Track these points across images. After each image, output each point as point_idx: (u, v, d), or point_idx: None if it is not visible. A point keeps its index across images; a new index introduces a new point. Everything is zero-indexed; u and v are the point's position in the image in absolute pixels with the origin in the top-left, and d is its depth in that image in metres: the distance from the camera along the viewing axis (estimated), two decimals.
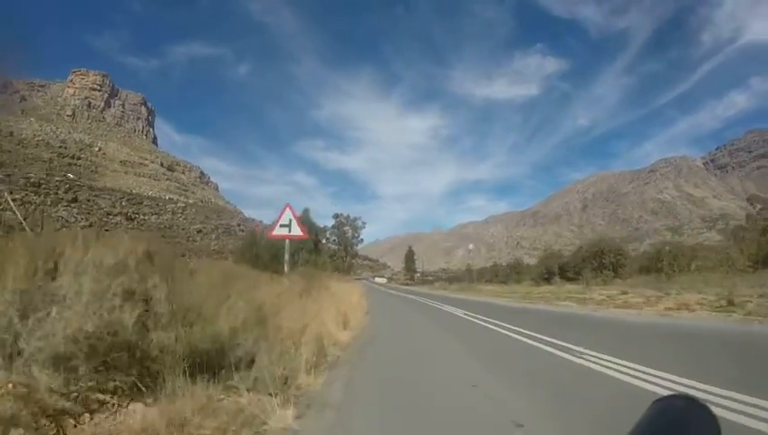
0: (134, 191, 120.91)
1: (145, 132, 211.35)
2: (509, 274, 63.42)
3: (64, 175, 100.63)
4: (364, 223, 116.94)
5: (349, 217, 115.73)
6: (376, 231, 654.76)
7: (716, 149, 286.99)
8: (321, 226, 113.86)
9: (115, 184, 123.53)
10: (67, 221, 70.60)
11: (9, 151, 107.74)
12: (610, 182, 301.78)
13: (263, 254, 40.30)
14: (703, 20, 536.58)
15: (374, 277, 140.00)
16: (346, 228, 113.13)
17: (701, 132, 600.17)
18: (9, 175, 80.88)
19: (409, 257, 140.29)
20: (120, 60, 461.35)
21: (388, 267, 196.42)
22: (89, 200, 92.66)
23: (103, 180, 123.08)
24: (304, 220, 65.37)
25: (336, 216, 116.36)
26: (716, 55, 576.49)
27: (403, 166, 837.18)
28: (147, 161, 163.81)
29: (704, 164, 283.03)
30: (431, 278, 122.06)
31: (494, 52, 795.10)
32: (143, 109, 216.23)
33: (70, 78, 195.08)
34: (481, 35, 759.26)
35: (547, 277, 47.44)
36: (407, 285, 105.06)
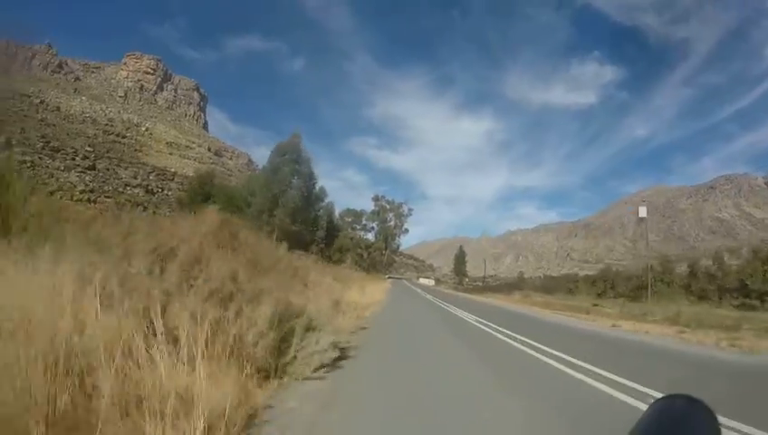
0: (171, 170, 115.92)
1: (196, 117, 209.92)
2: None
3: (81, 146, 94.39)
4: (411, 209, 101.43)
5: (392, 201, 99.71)
6: (423, 232, 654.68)
7: None
8: (358, 209, 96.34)
9: (157, 163, 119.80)
10: (74, 186, 68.13)
11: (54, 125, 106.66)
12: (668, 196, 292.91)
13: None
14: (767, 33, 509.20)
15: (418, 278, 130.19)
16: (388, 215, 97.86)
17: (761, 150, 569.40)
18: (26, 137, 78.82)
19: (460, 259, 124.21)
20: (178, 50, 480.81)
21: (435, 269, 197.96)
22: (107, 169, 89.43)
23: (146, 159, 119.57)
24: (290, 151, 52.21)
25: (376, 199, 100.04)
26: None
27: (453, 168, 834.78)
28: (194, 145, 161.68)
29: (766, 183, 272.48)
30: (480, 284, 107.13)
31: (551, 57, 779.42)
32: (195, 94, 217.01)
33: (124, 61, 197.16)
34: (537, 40, 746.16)
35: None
36: (461, 291, 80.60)
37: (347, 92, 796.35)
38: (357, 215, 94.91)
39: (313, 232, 59.35)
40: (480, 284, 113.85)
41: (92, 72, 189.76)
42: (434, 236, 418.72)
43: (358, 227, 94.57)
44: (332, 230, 65.98)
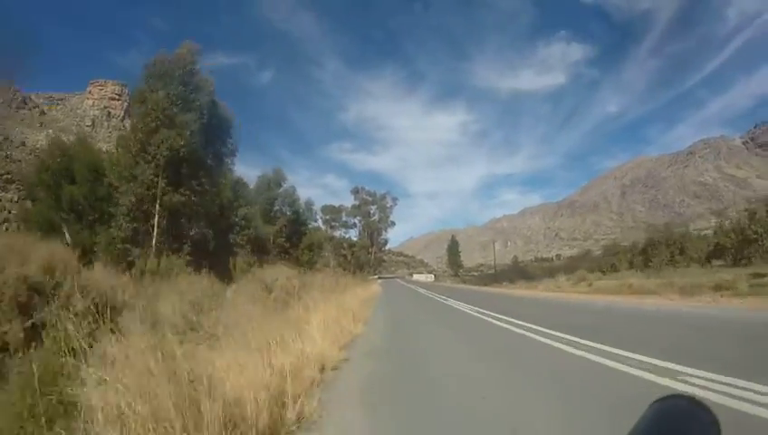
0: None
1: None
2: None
3: None
4: (395, 199, 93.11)
5: (375, 193, 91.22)
6: (409, 229, 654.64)
7: (755, 127, 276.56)
8: (336, 204, 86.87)
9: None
10: None
11: (19, 161, 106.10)
12: (648, 167, 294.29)
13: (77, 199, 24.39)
14: None
15: (411, 274, 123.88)
16: (371, 208, 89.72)
17: (736, 112, 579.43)
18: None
19: (453, 250, 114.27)
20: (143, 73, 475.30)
21: (426, 264, 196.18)
22: None
23: None
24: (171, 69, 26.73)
25: (356, 191, 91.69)
26: (744, 30, 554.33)
27: (433, 163, 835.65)
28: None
29: (743, 143, 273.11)
30: (476, 274, 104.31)
31: (517, 42, 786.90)
32: None
33: (88, 89, 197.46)
34: (502, 26, 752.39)
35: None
36: (461, 282, 79.44)
37: (319, 99, 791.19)
38: (335, 211, 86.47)
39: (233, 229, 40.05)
40: (476, 274, 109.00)
41: (57, 103, 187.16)
42: (419, 233, 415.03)
43: (337, 225, 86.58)
44: (298, 224, 54.66)
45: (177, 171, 26.66)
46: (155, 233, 24.92)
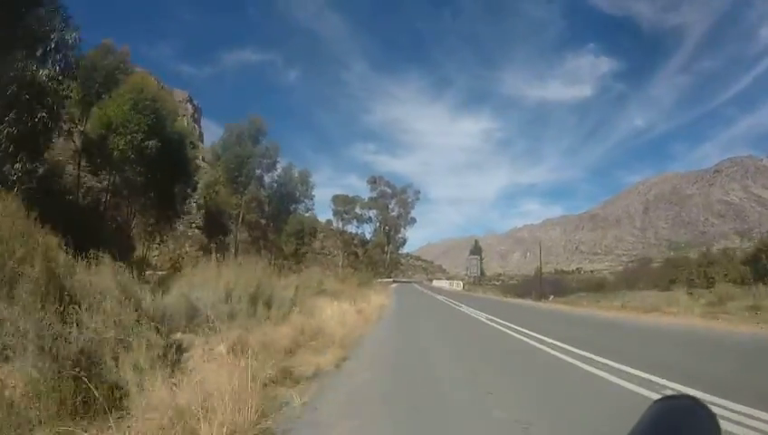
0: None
1: (190, 128, 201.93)
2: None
3: None
4: (418, 193, 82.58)
5: (395, 186, 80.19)
6: (428, 235, 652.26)
7: None
8: (350, 195, 74.12)
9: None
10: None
11: None
12: (673, 184, 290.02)
13: None
14: (761, 14, 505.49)
15: (431, 280, 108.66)
16: (389, 202, 78.83)
17: (764, 131, 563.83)
18: None
19: (475, 254, 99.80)
20: (173, 67, 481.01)
21: (444, 270, 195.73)
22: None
23: None
24: None
25: (373, 181, 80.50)
26: None
27: (455, 169, 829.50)
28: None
29: None
30: (497, 283, 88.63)
31: (545, 52, 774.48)
32: (189, 106, 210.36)
33: None
34: (530, 36, 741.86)
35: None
36: (501, 293, 64.24)
37: (344, 100, 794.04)
38: (349, 201, 75.63)
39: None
40: (496, 283, 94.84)
41: None
42: (439, 238, 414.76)
43: (348, 217, 75.43)
44: (286, 201, 42.95)
45: None
46: None
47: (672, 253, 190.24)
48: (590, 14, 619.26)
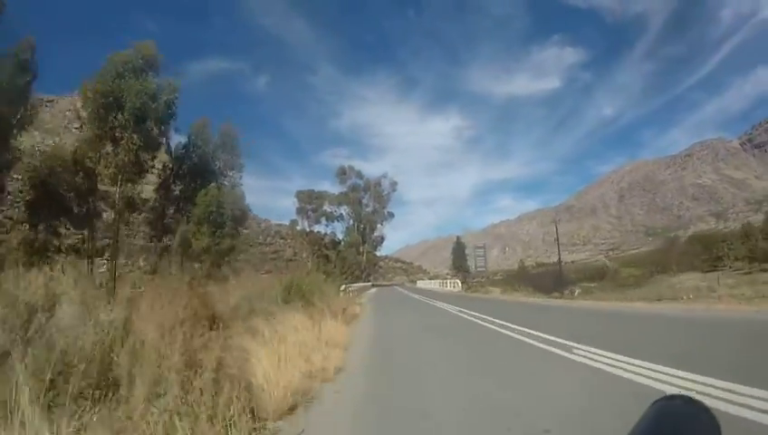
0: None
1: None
2: None
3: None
4: (394, 184, 74.13)
5: (368, 180, 72.45)
6: (406, 237, 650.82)
7: (752, 128, 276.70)
8: (316, 190, 67.01)
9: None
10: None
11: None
12: (646, 170, 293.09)
13: None
14: None
15: (414, 282, 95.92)
16: (363, 196, 71.28)
17: (732, 113, 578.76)
18: None
19: (458, 253, 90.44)
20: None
21: (425, 271, 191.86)
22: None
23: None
24: None
25: (343, 172, 72.43)
26: (738, 32, 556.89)
27: (428, 170, 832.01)
28: (157, 169, 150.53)
29: (741, 145, 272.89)
30: (483, 280, 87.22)
31: (511, 47, 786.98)
32: None
33: (76, 91, 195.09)
34: (495, 32, 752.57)
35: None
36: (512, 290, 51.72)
37: (313, 105, 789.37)
38: (316, 197, 68.75)
39: None
40: (483, 279, 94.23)
41: (46, 105, 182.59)
42: (416, 240, 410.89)
43: (315, 214, 68.60)
44: (196, 171, 32.25)
45: None
46: None
47: (650, 238, 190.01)
48: (553, 6, 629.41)
